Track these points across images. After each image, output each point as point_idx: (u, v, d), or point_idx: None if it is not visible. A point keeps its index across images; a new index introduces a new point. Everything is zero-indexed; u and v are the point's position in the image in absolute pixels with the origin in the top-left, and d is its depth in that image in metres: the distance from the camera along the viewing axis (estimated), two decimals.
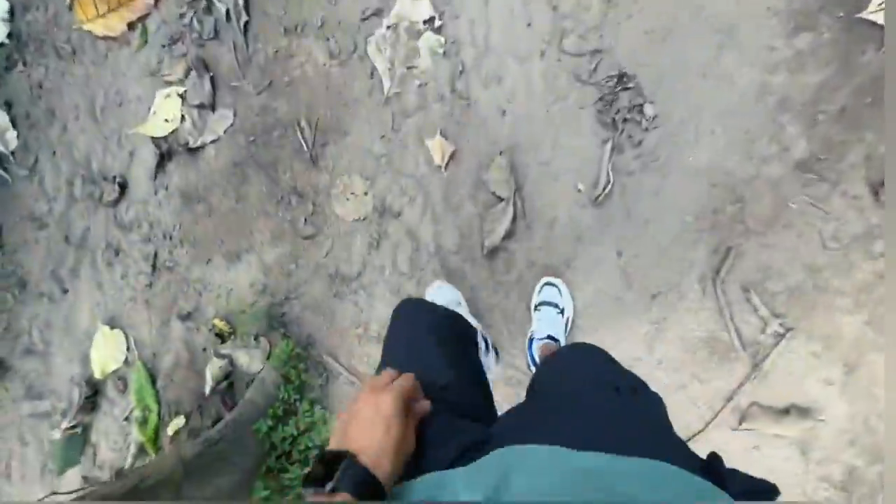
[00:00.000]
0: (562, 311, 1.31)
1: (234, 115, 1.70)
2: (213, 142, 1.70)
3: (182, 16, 1.78)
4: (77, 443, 1.52)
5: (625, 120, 1.37)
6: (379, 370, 0.67)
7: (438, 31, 1.53)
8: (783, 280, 1.23)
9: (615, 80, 1.39)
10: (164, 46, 1.80)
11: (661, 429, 0.54)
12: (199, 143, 1.71)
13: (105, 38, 1.87)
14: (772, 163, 1.26)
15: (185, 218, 1.71)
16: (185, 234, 1.71)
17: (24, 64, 1.97)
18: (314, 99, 1.62)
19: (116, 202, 1.80)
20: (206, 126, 1.72)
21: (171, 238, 1.72)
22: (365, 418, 0.44)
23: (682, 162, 1.32)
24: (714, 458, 0.48)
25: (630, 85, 1.36)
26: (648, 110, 1.35)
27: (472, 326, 0.81)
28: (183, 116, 1.74)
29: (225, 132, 1.70)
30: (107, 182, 1.81)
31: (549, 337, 1.25)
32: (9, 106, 1.97)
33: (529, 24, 1.47)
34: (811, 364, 1.19)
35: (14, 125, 1.96)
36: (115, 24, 1.85)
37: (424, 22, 1.54)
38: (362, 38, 1.60)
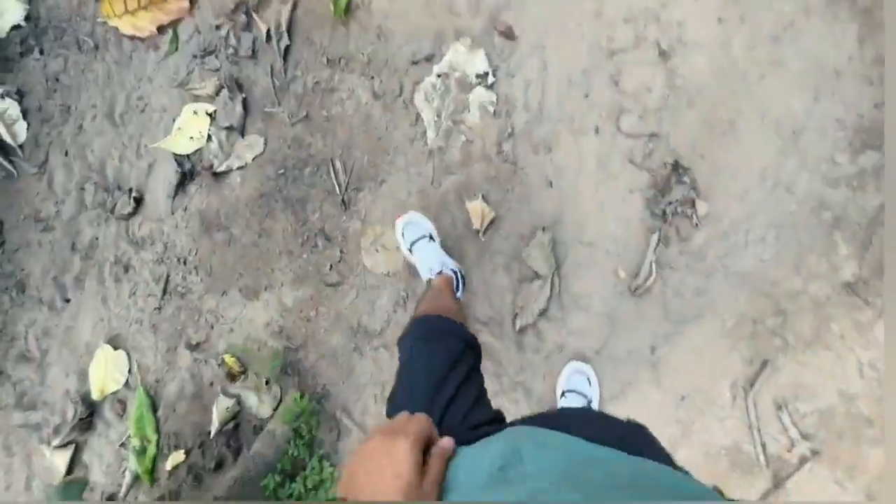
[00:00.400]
0: (589, 402, 1.29)
1: (265, 143, 1.62)
2: (239, 168, 1.63)
3: (218, 28, 1.68)
4: (76, 490, 1.47)
5: (675, 213, 1.33)
6: (390, 405, 0.71)
7: (491, 87, 1.47)
8: (815, 401, 1.22)
9: (670, 168, 1.35)
10: (195, 57, 1.70)
11: (667, 459, 0.57)
12: (224, 168, 1.63)
13: (132, 37, 1.76)
14: (820, 280, 1.25)
15: (202, 244, 1.64)
16: (201, 260, 1.64)
17: (41, 52, 1.85)
18: (352, 139, 1.55)
19: (130, 216, 1.71)
20: (233, 150, 1.64)
21: (185, 263, 1.65)
22: (377, 468, 0.40)
23: (728, 265, 1.30)
24: (716, 489, 0.51)
25: (685, 179, 1.32)
26: (701, 208, 1.31)
27: (477, 349, 0.81)
28: (210, 136, 1.65)
29: (253, 160, 1.62)
30: (121, 193, 1.73)
31: None
32: (21, 95, 1.85)
33: (587, 96, 1.42)
34: (832, 491, 1.20)
35: (25, 116, 1.85)
36: (143, 25, 1.74)
37: (478, 76, 1.47)
38: (409, 82, 1.53)
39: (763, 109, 1.32)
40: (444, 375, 0.69)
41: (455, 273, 1.37)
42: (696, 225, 1.32)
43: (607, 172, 1.39)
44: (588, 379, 1.31)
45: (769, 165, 1.30)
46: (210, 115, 1.65)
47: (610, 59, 1.41)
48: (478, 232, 1.44)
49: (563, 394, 1.32)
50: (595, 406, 1.31)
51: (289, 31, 1.61)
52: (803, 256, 1.26)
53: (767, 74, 1.33)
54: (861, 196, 1.24)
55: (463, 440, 0.46)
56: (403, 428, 0.43)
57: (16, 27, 1.89)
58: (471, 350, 0.78)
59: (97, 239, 1.75)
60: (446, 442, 0.44)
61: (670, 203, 1.33)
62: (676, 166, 1.34)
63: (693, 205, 1.32)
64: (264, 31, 1.63)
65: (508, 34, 1.47)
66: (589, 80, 1.41)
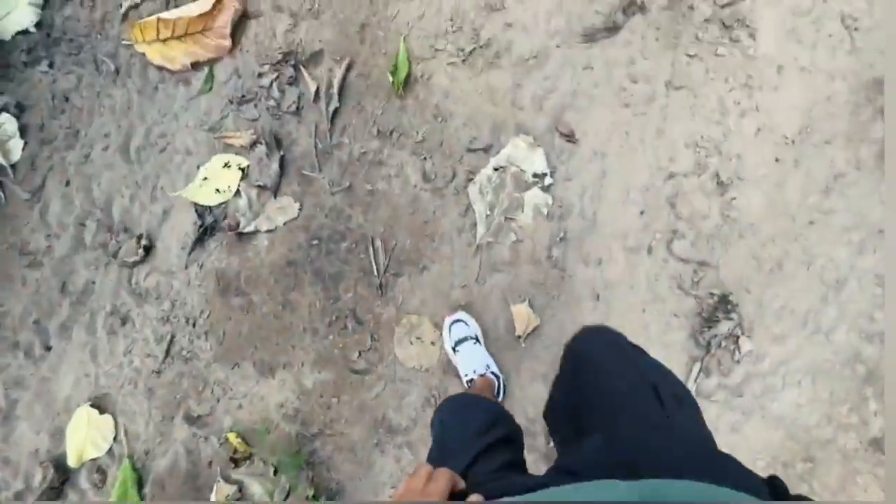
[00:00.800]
0: None
1: (300, 208, 1.52)
2: (268, 231, 1.52)
3: (261, 76, 1.57)
4: None
5: (719, 346, 1.34)
6: None
7: (547, 189, 1.44)
8: None
9: (717, 299, 1.36)
10: (231, 102, 1.58)
11: (706, 443, 0.57)
12: (251, 229, 1.51)
13: (160, 67, 1.62)
14: (849, 433, 1.28)
15: (216, 307, 1.51)
16: (212, 325, 1.51)
17: (51, 65, 1.67)
18: (396, 219, 1.48)
19: (136, 264, 1.56)
20: (263, 211, 1.52)
21: (194, 325, 1.52)
22: None
23: (764, 405, 1.32)
24: (776, 480, 0.47)
25: (733, 315, 1.34)
26: (745, 345, 1.33)
27: (518, 428, 0.80)
28: (239, 191, 1.53)
29: (284, 224, 1.51)
30: (128, 236, 1.57)
31: None
32: (21, 109, 1.66)
33: (642, 213, 1.42)
34: None
35: (22, 134, 1.65)
36: (176, 56, 1.61)
37: (535, 175, 1.44)
38: (463, 169, 1.48)
39: (810, 254, 1.36)
40: (474, 437, 0.68)
41: (497, 378, 1.34)
42: (738, 361, 1.34)
43: (655, 294, 1.39)
44: None
45: (811, 311, 1.34)
46: (243, 169, 1.53)
47: (668, 180, 1.42)
48: (519, 337, 1.40)
49: None
50: None
51: (340, 93, 1.53)
52: (836, 406, 1.30)
53: (816, 221, 1.37)
54: None
55: (490, 489, 0.46)
56: (426, 492, 0.44)
57: (23, 32, 1.70)
58: (503, 422, 0.75)
59: (93, 283, 1.58)
60: (475, 499, 0.44)
61: (715, 336, 1.34)
62: (724, 300, 1.36)
63: (737, 341, 1.34)
64: (313, 89, 1.53)
65: (570, 137, 1.45)
66: (646, 197, 1.41)
